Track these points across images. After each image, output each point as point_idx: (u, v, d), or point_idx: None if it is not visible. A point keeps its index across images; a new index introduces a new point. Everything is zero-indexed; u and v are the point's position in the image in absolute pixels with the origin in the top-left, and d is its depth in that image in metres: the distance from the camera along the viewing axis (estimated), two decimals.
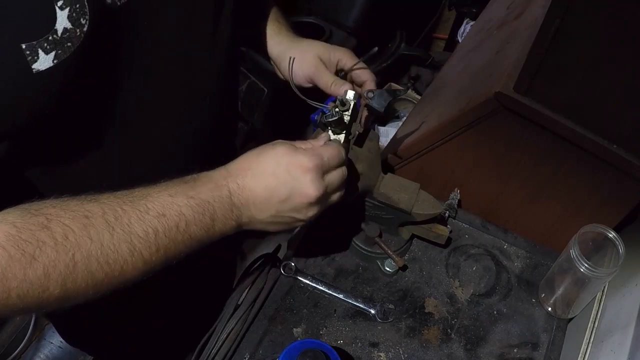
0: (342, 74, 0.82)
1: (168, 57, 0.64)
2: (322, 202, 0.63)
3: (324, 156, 0.62)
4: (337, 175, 0.64)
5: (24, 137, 0.53)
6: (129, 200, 0.52)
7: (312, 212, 0.62)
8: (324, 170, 0.62)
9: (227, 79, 0.78)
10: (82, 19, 0.48)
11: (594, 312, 0.78)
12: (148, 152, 0.69)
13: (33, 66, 0.47)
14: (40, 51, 0.47)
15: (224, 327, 0.75)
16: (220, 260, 1.03)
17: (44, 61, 0.47)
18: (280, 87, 0.88)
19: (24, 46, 0.46)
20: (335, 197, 0.66)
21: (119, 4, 0.54)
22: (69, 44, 0.48)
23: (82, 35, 0.49)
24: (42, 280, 0.46)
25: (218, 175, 0.59)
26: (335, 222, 0.79)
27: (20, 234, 0.45)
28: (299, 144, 0.64)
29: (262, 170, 0.60)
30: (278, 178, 0.59)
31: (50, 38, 0.47)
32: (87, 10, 0.48)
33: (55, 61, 0.48)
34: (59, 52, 0.48)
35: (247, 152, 0.62)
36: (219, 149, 0.81)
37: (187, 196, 0.55)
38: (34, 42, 0.46)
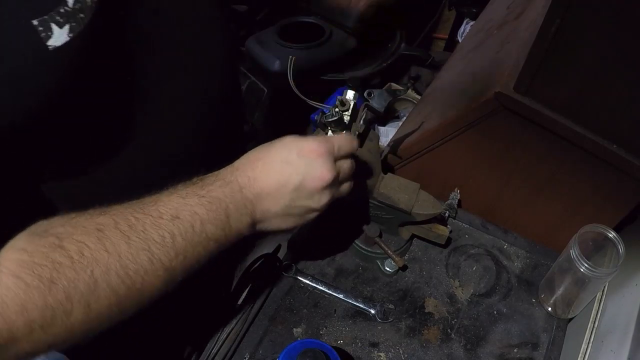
0: None
1: (174, 35, 0.62)
2: (335, 187, 0.62)
3: (334, 142, 0.61)
4: (347, 164, 0.63)
5: (34, 130, 0.51)
6: (139, 208, 0.50)
7: (325, 198, 0.61)
8: (335, 156, 0.61)
9: (231, 73, 0.77)
10: None
11: (594, 312, 0.78)
12: (160, 149, 0.67)
13: (48, 43, 0.44)
14: (53, 26, 0.44)
15: (224, 327, 0.75)
16: (219, 260, 1.03)
17: (59, 36, 0.44)
18: (280, 87, 0.88)
19: (35, 22, 0.43)
20: (345, 187, 0.65)
21: None
22: (81, 15, 0.45)
23: (93, 4, 0.46)
24: (65, 304, 0.43)
25: (225, 172, 0.58)
26: (336, 223, 0.79)
27: (32, 258, 0.43)
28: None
29: (273, 159, 0.59)
30: (290, 164, 0.58)
31: (62, 10, 0.44)
32: None
33: (70, 35, 0.45)
34: (73, 24, 0.45)
35: (254, 149, 0.61)
36: (228, 151, 0.81)
37: (198, 195, 0.54)
38: (46, 17, 0.43)
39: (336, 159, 0.61)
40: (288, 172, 0.58)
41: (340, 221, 0.84)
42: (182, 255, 0.51)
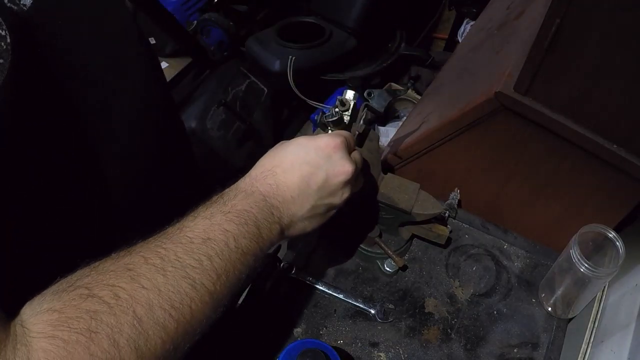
0: None
1: (91, 64, 0.59)
2: (355, 180, 0.61)
3: (344, 135, 0.61)
4: (358, 155, 0.63)
5: None
6: (165, 239, 0.48)
7: (347, 192, 0.60)
8: (348, 149, 0.61)
9: (154, 85, 0.74)
10: (0, 30, 0.44)
11: (594, 312, 0.78)
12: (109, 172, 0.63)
13: None
14: None
15: (224, 328, 0.75)
16: None
17: None
18: (280, 87, 0.88)
19: None
20: (360, 180, 0.65)
21: (25, 9, 0.48)
22: (0, 60, 0.44)
23: (9, 47, 0.44)
24: (112, 351, 0.39)
25: (243, 184, 0.57)
26: (336, 223, 0.79)
27: (64, 314, 0.39)
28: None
29: (292, 162, 0.58)
30: (310, 164, 0.57)
31: None
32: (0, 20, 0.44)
33: None
34: None
35: (265, 155, 0.60)
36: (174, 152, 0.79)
37: (223, 212, 0.52)
38: None
39: (350, 151, 0.61)
40: (310, 171, 0.57)
41: (340, 221, 0.84)
42: (224, 275, 0.48)
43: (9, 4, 0.46)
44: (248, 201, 0.54)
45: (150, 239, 0.48)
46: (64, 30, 0.54)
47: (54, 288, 0.42)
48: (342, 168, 0.58)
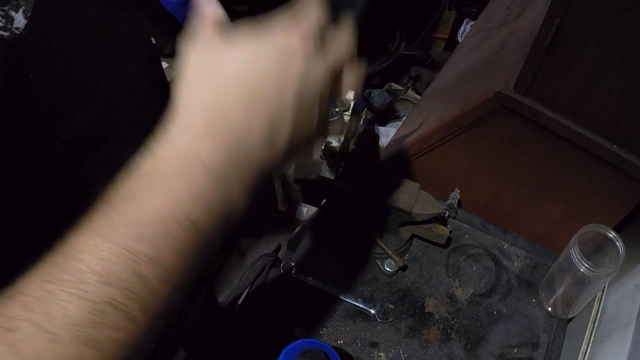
0: None
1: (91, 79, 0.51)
2: (318, 50, 0.41)
3: (306, 18, 0.42)
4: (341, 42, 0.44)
5: None
6: (53, 273, 0.32)
7: (315, 70, 0.40)
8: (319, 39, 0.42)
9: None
10: None
11: (594, 312, 0.78)
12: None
13: None
14: None
15: (224, 328, 0.75)
16: (219, 260, 1.03)
17: None
18: None
19: None
20: (342, 50, 0.44)
21: (18, 32, 0.41)
22: None
23: None
24: None
25: (168, 162, 0.37)
26: (337, 223, 0.79)
27: None
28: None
29: (244, 103, 0.38)
30: (269, 97, 0.38)
31: None
32: None
33: None
34: None
35: (186, 83, 0.40)
36: None
37: (134, 224, 0.34)
38: None
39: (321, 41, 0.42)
40: (277, 92, 0.39)
41: (342, 221, 0.84)
42: (142, 313, 0.33)
43: None
44: (174, 197, 0.35)
45: (42, 263, 0.33)
46: (64, 45, 0.47)
47: None
48: (317, 76, 0.40)
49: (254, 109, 0.38)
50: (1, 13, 0.41)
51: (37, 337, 0.30)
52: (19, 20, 0.41)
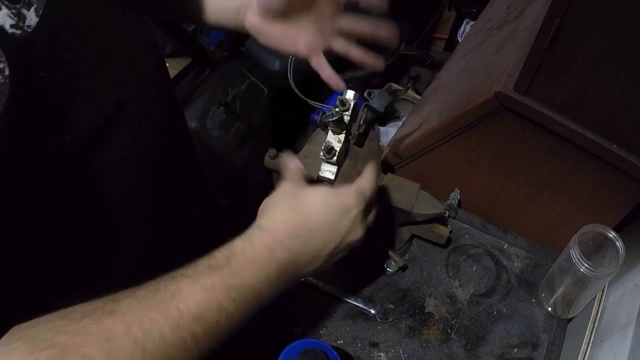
0: None
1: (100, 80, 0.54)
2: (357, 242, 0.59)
3: (368, 192, 0.57)
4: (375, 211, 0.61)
5: None
6: (155, 304, 0.43)
7: (346, 251, 0.58)
8: (368, 207, 0.58)
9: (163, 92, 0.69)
10: None
11: (594, 312, 0.78)
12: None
13: None
14: None
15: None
16: None
17: None
18: (280, 87, 0.86)
19: None
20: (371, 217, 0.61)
21: (29, 30, 0.43)
22: None
23: (7, 80, 0.40)
24: None
25: (260, 246, 0.51)
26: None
27: None
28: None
29: (318, 222, 0.54)
30: (335, 227, 0.55)
31: None
32: None
33: None
34: None
35: (280, 202, 0.56)
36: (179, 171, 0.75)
37: (227, 287, 0.47)
38: None
39: (369, 210, 0.59)
40: (331, 236, 0.55)
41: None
42: (206, 349, 0.46)
43: (11, 30, 0.41)
44: (259, 277, 0.49)
45: (142, 292, 0.44)
46: (74, 43, 0.49)
47: (32, 331, 0.39)
48: (356, 236, 0.57)
49: (313, 237, 0.54)
50: (13, 11, 0.41)
51: (128, 345, 0.40)
52: (31, 18, 0.42)
